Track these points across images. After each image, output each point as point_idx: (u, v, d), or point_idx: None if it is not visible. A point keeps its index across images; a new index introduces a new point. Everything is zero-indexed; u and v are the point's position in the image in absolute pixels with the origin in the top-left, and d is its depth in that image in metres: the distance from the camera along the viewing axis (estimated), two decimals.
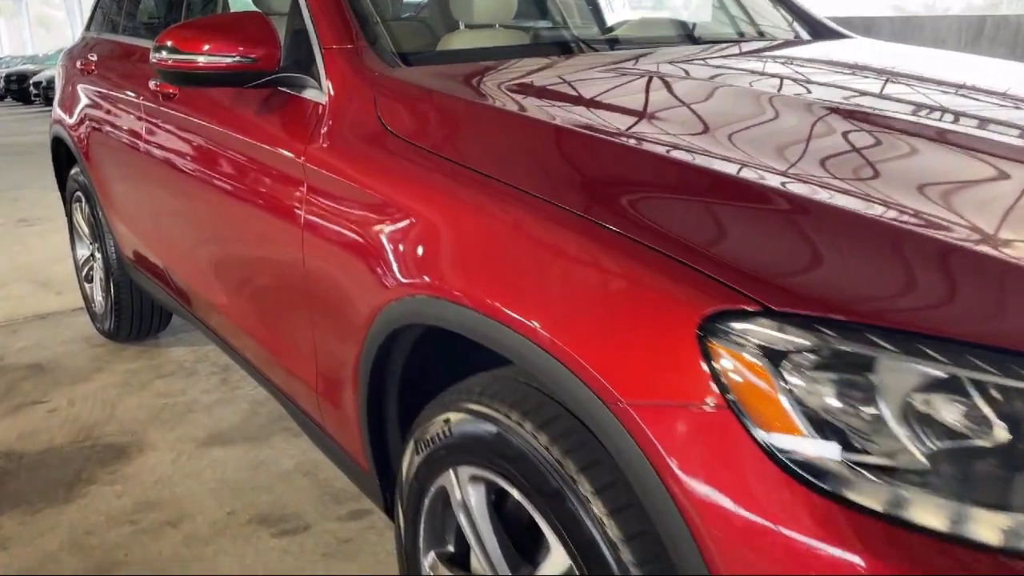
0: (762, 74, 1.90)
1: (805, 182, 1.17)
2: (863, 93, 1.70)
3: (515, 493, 1.24)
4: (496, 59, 1.96)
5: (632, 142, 1.34)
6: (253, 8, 2.53)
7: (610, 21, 3.09)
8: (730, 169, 1.21)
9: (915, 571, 0.86)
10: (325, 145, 1.71)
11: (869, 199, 1.12)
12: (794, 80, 1.83)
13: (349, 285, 1.59)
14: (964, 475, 0.89)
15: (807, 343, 0.92)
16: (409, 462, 1.48)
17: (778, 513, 0.92)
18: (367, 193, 1.55)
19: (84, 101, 3.45)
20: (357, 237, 1.55)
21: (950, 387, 0.90)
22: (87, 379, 3.35)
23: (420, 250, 1.40)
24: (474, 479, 1.33)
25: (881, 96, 1.68)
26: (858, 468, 0.91)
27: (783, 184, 1.16)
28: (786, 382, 0.93)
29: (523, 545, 1.32)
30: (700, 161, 1.25)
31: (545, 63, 1.96)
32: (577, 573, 1.14)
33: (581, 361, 1.07)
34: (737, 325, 0.95)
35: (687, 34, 2.51)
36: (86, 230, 3.77)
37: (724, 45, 2.33)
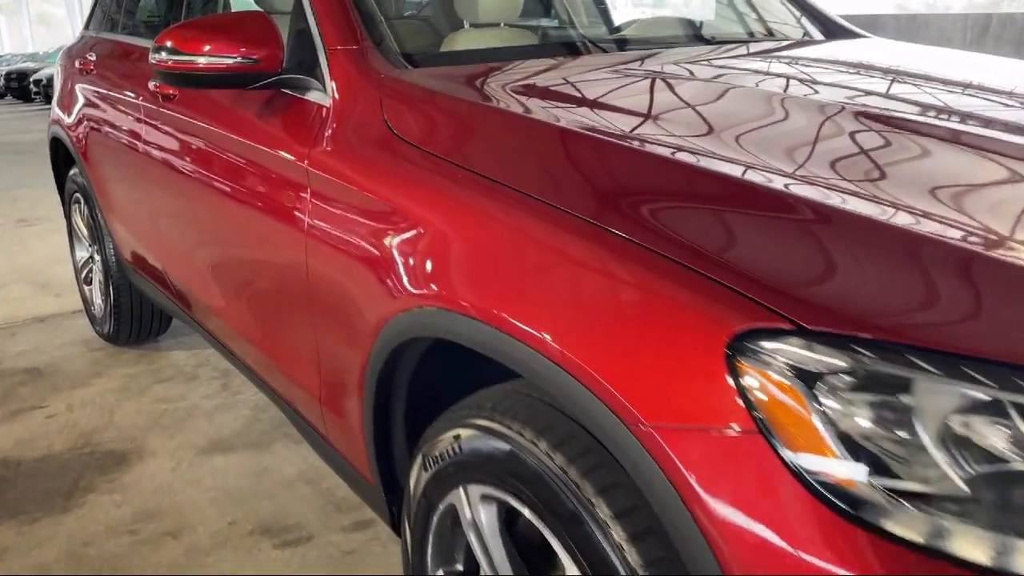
0: (779, 76, 1.84)
1: (834, 190, 1.12)
2: (886, 96, 1.65)
3: (528, 514, 1.19)
4: (504, 60, 1.91)
5: (652, 148, 1.29)
6: (255, 7, 2.48)
7: (617, 20, 3.05)
8: (754, 177, 1.16)
9: None
10: (330, 149, 1.66)
11: (903, 209, 1.07)
12: (814, 82, 1.78)
13: (355, 294, 1.54)
14: (1007, 503, 0.85)
15: (843, 364, 0.88)
16: (417, 478, 1.43)
17: (809, 542, 0.88)
18: (374, 199, 1.50)
19: (83, 101, 3.40)
20: (363, 245, 1.50)
21: (991, 410, 0.85)
22: (86, 384, 3.30)
23: (429, 260, 1.35)
24: (485, 498, 1.28)
25: (905, 99, 1.62)
26: (895, 496, 0.86)
27: (809, 193, 1.11)
28: (820, 405, 0.88)
29: (535, 566, 1.27)
30: (722, 168, 1.20)
31: (555, 64, 1.91)
32: None
33: (600, 379, 1.02)
34: (768, 344, 0.90)
35: (698, 34, 2.46)
36: (85, 232, 3.73)
37: (737, 45, 2.28)
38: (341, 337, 1.64)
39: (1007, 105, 1.65)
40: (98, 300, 3.65)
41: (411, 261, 1.38)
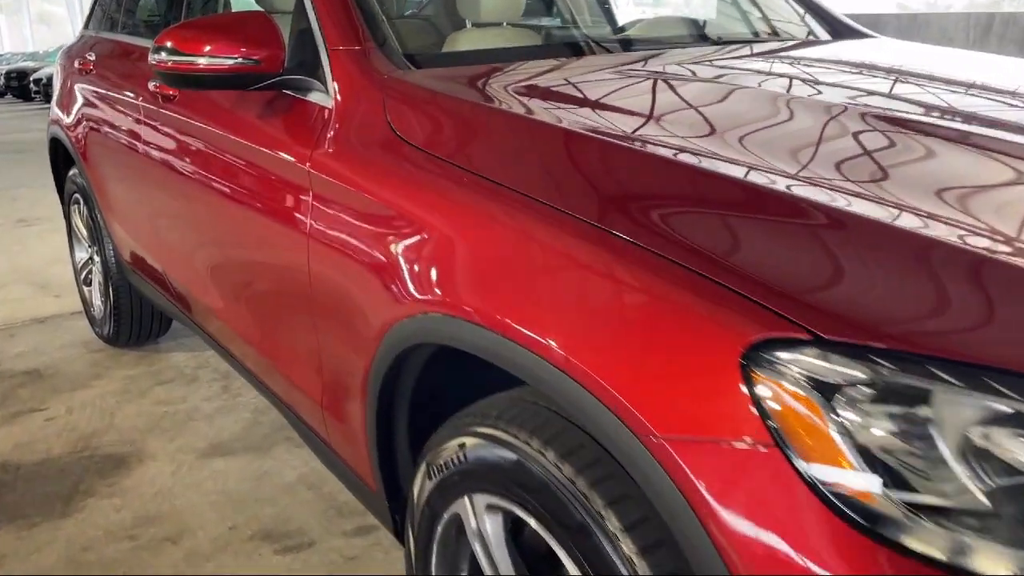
0: (787, 77, 1.82)
1: (847, 194, 1.09)
2: (897, 97, 1.62)
3: (535, 524, 1.16)
4: (508, 60, 1.89)
5: (661, 151, 1.26)
6: (256, 7, 2.45)
7: (621, 19, 3.02)
8: (766, 181, 1.14)
9: None
10: (332, 151, 1.64)
11: (919, 213, 1.04)
12: (823, 84, 1.75)
13: (358, 298, 1.52)
14: None
15: (862, 376, 0.85)
16: (420, 486, 1.41)
17: (826, 556, 0.85)
18: (377, 202, 1.48)
19: (82, 101, 3.38)
20: (367, 249, 1.48)
21: (1013, 422, 0.83)
22: (86, 386, 3.28)
23: (433, 265, 1.32)
24: (491, 508, 1.26)
25: (917, 101, 1.60)
26: (914, 510, 0.84)
27: (823, 197, 1.08)
28: (838, 416, 0.86)
29: None
30: (733, 171, 1.17)
31: (560, 65, 1.89)
32: None
33: (610, 389, 1.00)
34: (784, 355, 0.88)
35: (703, 34, 2.43)
36: (84, 233, 3.70)
37: (744, 45, 2.26)
38: (343, 342, 1.62)
39: (1021, 107, 1.62)
40: (98, 301, 3.63)
41: (415, 266, 1.36)
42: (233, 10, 2.70)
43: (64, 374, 3.40)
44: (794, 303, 0.90)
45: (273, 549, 2.20)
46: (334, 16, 1.79)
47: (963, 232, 1.00)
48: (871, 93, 1.65)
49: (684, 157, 1.24)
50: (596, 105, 1.54)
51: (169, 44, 1.82)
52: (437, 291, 1.30)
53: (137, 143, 2.74)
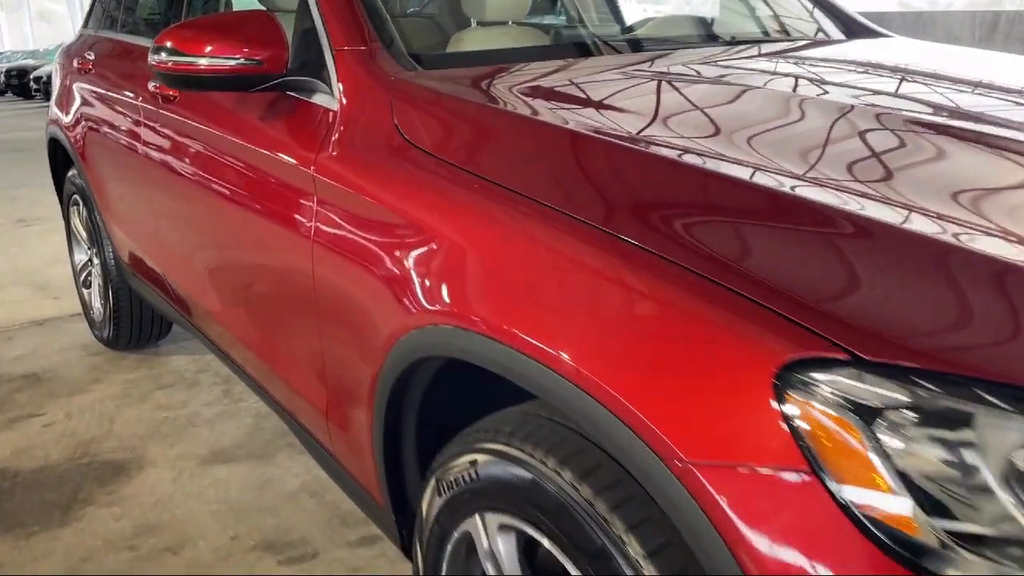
0: (809, 79, 1.76)
1: (885, 204, 1.04)
2: (928, 102, 1.56)
3: (551, 546, 1.11)
4: (517, 61, 1.84)
5: (685, 158, 1.21)
6: (258, 6, 2.40)
7: (629, 18, 2.97)
8: (798, 189, 1.09)
9: None
10: (337, 155, 1.59)
11: (962, 225, 0.99)
12: (850, 87, 1.70)
13: (364, 308, 1.47)
14: None
15: (904, 398, 0.80)
16: (429, 503, 1.36)
17: None
18: (385, 209, 1.43)
19: (81, 102, 3.33)
20: (374, 257, 1.43)
21: None
22: (85, 390, 3.23)
23: (444, 275, 1.27)
24: (503, 528, 1.21)
25: (948, 105, 1.53)
26: (956, 539, 0.79)
27: (859, 207, 1.03)
28: (878, 441, 0.81)
29: None
30: (762, 180, 1.12)
31: (573, 66, 1.84)
32: None
33: (633, 409, 0.95)
34: (820, 376, 0.83)
35: (716, 33, 2.38)
36: (84, 234, 3.65)
37: (758, 45, 2.20)
38: (349, 352, 1.57)
39: None
40: (97, 304, 3.58)
41: (425, 275, 1.31)
42: (235, 9, 2.65)
43: (63, 378, 3.35)
44: (830, 321, 0.85)
45: (276, 560, 2.15)
46: (339, 15, 1.74)
47: (1007, 245, 0.95)
48: (897, 95, 1.60)
49: (707, 163, 1.19)
50: (613, 108, 1.49)
51: (169, 44, 1.77)
52: (448, 302, 1.25)
53: (137, 144, 2.69)
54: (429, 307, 1.29)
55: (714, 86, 1.69)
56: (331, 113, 1.67)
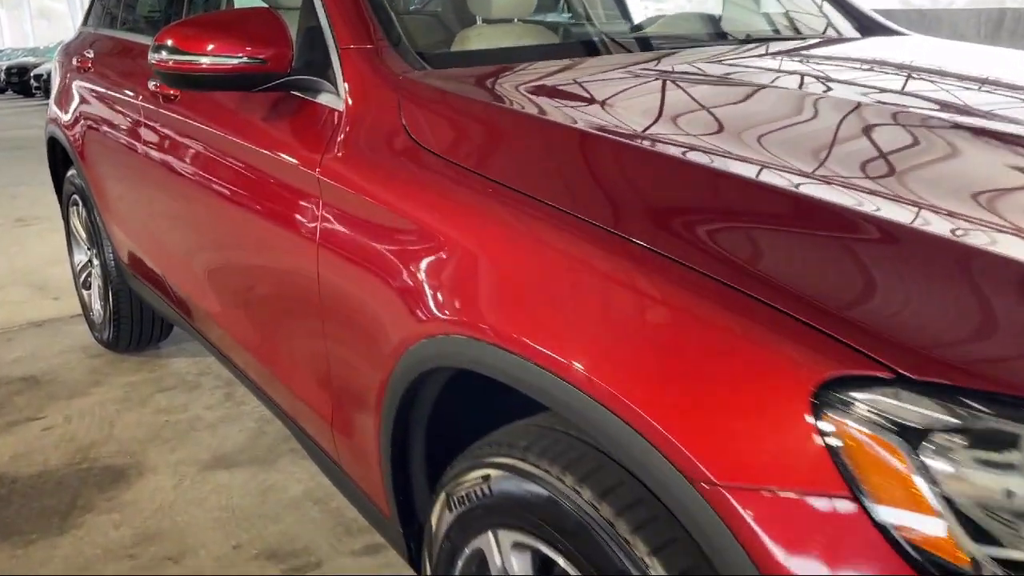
0: (830, 80, 1.71)
1: (928, 211, 0.99)
2: (957, 104, 1.50)
3: (566, 565, 1.07)
4: (528, 59, 1.78)
5: (711, 162, 1.15)
6: (261, 3, 2.35)
7: (636, 15, 2.92)
8: (833, 195, 1.03)
9: None
10: (343, 156, 1.54)
11: (1010, 232, 0.94)
12: (872, 87, 1.65)
13: (373, 316, 1.42)
14: None
15: (951, 419, 0.76)
16: (439, 517, 1.31)
17: None
18: (393, 213, 1.38)
19: (81, 100, 3.28)
20: (382, 262, 1.38)
21: None
22: (84, 393, 3.19)
23: (457, 283, 1.22)
24: (517, 546, 1.16)
25: (983, 109, 1.47)
26: (1005, 567, 0.75)
27: (898, 215, 0.98)
28: (923, 464, 0.76)
29: None
30: (793, 184, 1.07)
31: (584, 65, 1.79)
32: None
33: (658, 427, 0.90)
34: (860, 395, 0.78)
35: (728, 31, 2.33)
36: (83, 235, 3.61)
37: (771, 43, 2.15)
38: (356, 360, 1.53)
39: None
40: (97, 305, 3.54)
41: (436, 283, 1.26)
42: (237, 6, 2.60)
43: (62, 381, 3.30)
44: (870, 336, 0.80)
45: (280, 569, 2.11)
46: (345, 13, 1.69)
47: None
48: (923, 96, 1.55)
49: (731, 167, 1.13)
50: (630, 109, 1.44)
51: (170, 42, 1.72)
52: (460, 311, 1.20)
53: (137, 144, 2.64)
54: (440, 315, 1.24)
55: (732, 86, 1.64)
56: (336, 113, 1.62)
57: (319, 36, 1.70)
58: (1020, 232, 0.95)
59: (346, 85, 1.61)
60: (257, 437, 2.79)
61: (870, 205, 1.01)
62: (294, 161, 1.68)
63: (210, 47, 1.67)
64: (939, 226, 0.96)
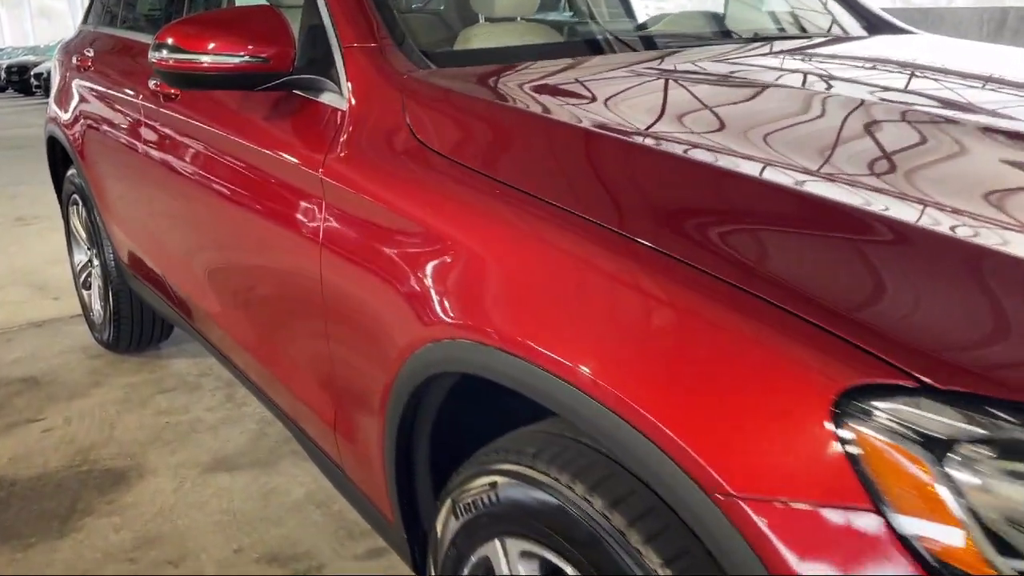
0: (840, 79, 1.68)
1: (952, 215, 0.96)
2: (971, 105, 1.48)
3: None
4: (536, 58, 1.76)
5: (725, 163, 1.13)
6: (263, 1, 2.33)
7: (640, 13, 2.90)
8: (849, 198, 1.01)
9: None
10: (347, 157, 1.52)
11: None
12: (882, 88, 1.62)
13: (377, 318, 1.40)
14: None
15: (978, 430, 0.73)
16: (444, 524, 1.29)
17: None
18: (398, 215, 1.36)
19: (80, 99, 3.26)
20: (387, 265, 1.35)
21: None
22: (84, 394, 3.16)
23: (465, 286, 1.20)
24: (525, 555, 1.14)
25: (998, 108, 1.45)
26: None
27: (922, 218, 0.96)
28: (948, 476, 0.74)
29: None
30: (808, 186, 1.05)
31: (590, 64, 1.76)
32: None
33: (671, 435, 0.88)
34: (883, 404, 0.76)
35: (733, 30, 2.30)
36: (83, 235, 3.58)
37: (779, 42, 2.13)
38: (360, 364, 1.50)
39: None
40: (97, 305, 3.51)
41: (441, 286, 1.24)
42: (239, 4, 2.57)
43: (62, 382, 3.28)
44: (894, 343, 0.78)
45: (282, 573, 2.09)
46: (348, 11, 1.66)
47: None
48: (937, 97, 1.52)
49: (746, 168, 1.11)
50: (642, 110, 1.41)
51: (170, 41, 1.70)
52: (467, 315, 1.18)
53: (137, 143, 2.62)
54: (446, 319, 1.22)
55: (740, 86, 1.62)
56: (340, 113, 1.60)
57: (322, 34, 1.68)
58: None
59: (349, 84, 1.59)
60: (258, 439, 2.77)
61: (888, 207, 0.98)
62: (296, 161, 1.66)
63: (211, 45, 1.65)
64: (961, 229, 0.93)
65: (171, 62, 1.70)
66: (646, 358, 0.93)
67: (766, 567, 0.81)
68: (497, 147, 1.37)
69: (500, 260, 1.17)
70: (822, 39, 2.26)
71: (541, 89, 1.52)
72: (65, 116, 3.41)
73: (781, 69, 1.78)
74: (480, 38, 2.15)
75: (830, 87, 1.61)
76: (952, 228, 0.94)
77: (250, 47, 1.64)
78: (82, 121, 3.22)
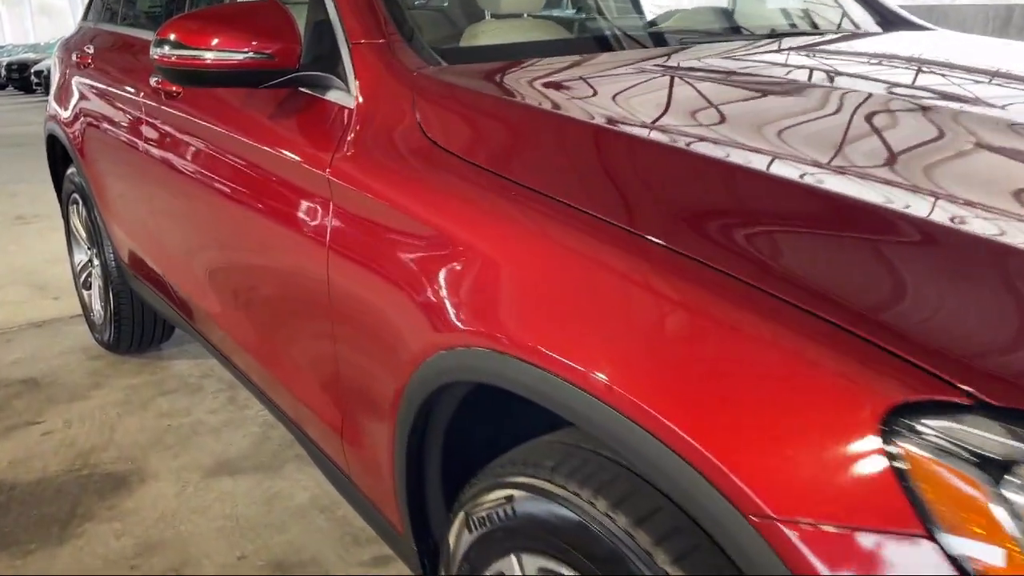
0: (861, 77, 1.64)
1: (996, 216, 0.92)
2: (996, 105, 1.44)
3: None
4: (547, 55, 1.71)
5: (758, 164, 1.08)
6: None
7: (650, 9, 2.85)
8: (888, 199, 0.96)
9: None
10: (354, 156, 1.47)
11: None
12: (904, 84, 1.58)
13: (387, 324, 1.35)
14: None
15: None
16: (457, 537, 1.24)
17: None
18: (409, 217, 1.31)
19: (80, 97, 3.21)
20: (398, 268, 1.31)
21: None
22: (85, 396, 3.12)
23: (476, 291, 1.15)
24: (544, 572, 1.09)
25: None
26: None
27: (976, 227, 0.90)
28: (1005, 498, 0.69)
29: None
30: (847, 187, 1.00)
31: (604, 61, 1.72)
32: None
33: (706, 453, 0.83)
34: (935, 423, 0.71)
35: (747, 27, 2.25)
36: (83, 234, 3.54)
37: (795, 39, 2.08)
38: (369, 371, 1.46)
39: None
40: (97, 306, 3.47)
41: (455, 291, 1.19)
42: None
43: (62, 383, 3.24)
44: (946, 357, 0.73)
45: None
46: (355, 6, 1.61)
47: None
48: (966, 97, 1.48)
49: (782, 170, 1.06)
50: (666, 108, 1.36)
51: (172, 37, 1.65)
52: (481, 321, 1.13)
53: (138, 142, 2.57)
54: (459, 326, 1.17)
55: (761, 82, 1.57)
56: (347, 111, 1.55)
57: (328, 30, 1.63)
58: None
59: (357, 82, 1.54)
60: (261, 442, 2.72)
61: (930, 208, 0.94)
62: (302, 161, 1.61)
63: (215, 41, 1.60)
64: (1017, 235, 0.89)
65: (173, 58, 1.66)
66: (677, 370, 0.88)
67: None
68: (513, 147, 1.32)
69: (516, 264, 1.12)
70: (838, 35, 2.21)
71: (558, 86, 1.47)
72: (65, 114, 3.36)
73: (797, 66, 1.73)
74: (488, 35, 2.10)
75: (851, 84, 1.56)
76: (1002, 233, 0.89)
77: (255, 43, 1.59)
78: (82, 119, 3.18)
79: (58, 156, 3.63)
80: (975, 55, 1.94)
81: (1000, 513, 0.69)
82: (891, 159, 1.12)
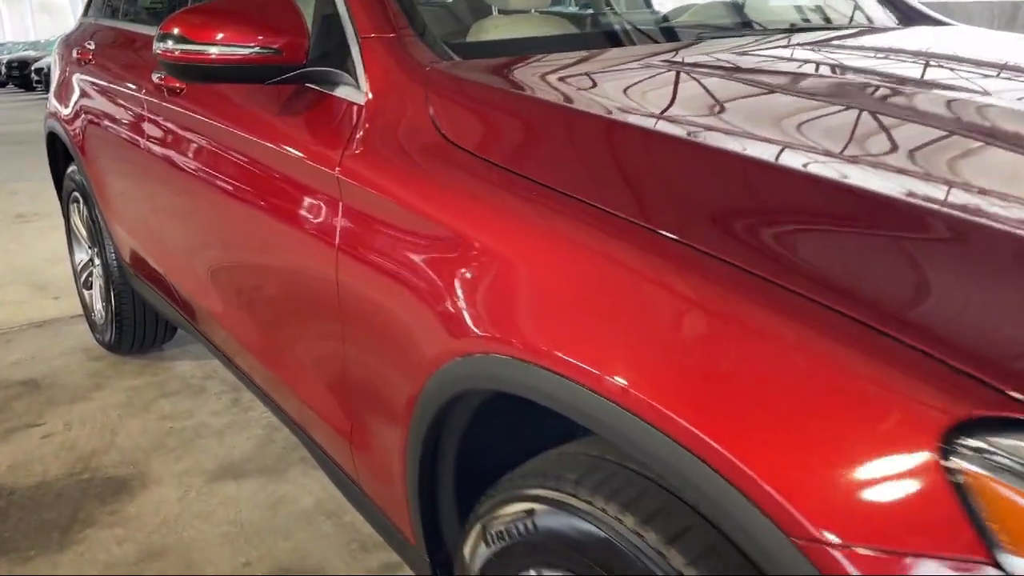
0: (881, 73, 1.59)
1: None
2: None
3: None
4: (562, 50, 1.66)
5: (796, 164, 1.03)
6: None
7: (663, 4, 2.80)
8: (935, 200, 0.91)
9: None
10: (365, 154, 1.42)
11: None
12: (931, 83, 1.53)
13: (400, 329, 1.30)
14: None
15: None
16: (473, 551, 1.19)
17: None
18: (422, 218, 1.26)
19: (81, 94, 3.16)
20: (410, 269, 1.26)
21: None
22: (86, 398, 3.07)
23: (494, 295, 1.10)
24: None
25: None
26: None
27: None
28: None
29: None
30: (887, 186, 0.95)
31: (620, 56, 1.67)
32: None
33: (745, 469, 0.78)
34: (1000, 440, 0.66)
35: (762, 22, 2.20)
36: (84, 233, 3.49)
37: (813, 33, 2.03)
38: (381, 377, 1.41)
39: None
40: (98, 306, 3.42)
41: (471, 295, 1.14)
42: None
43: (63, 385, 3.19)
44: (1009, 370, 0.68)
45: None
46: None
47: None
48: (995, 92, 1.43)
49: (822, 170, 1.01)
50: (687, 103, 1.31)
51: (176, 31, 1.60)
52: (499, 327, 1.08)
53: (140, 139, 2.52)
54: (476, 332, 1.12)
55: (783, 77, 1.52)
56: (356, 107, 1.50)
57: (337, 24, 1.58)
58: None
59: (367, 77, 1.50)
60: (265, 445, 2.67)
61: (995, 212, 0.88)
62: (311, 159, 1.56)
63: (220, 36, 1.55)
64: None
65: (177, 54, 1.61)
66: (712, 382, 0.83)
67: None
68: (530, 144, 1.27)
69: (536, 267, 1.08)
70: (856, 30, 2.16)
71: (577, 82, 1.42)
72: (65, 111, 3.31)
73: (817, 61, 1.68)
74: (494, 31, 2.05)
75: (873, 79, 1.51)
76: None
77: (261, 38, 1.54)
78: (83, 116, 3.13)
79: (58, 154, 3.58)
80: (998, 49, 1.89)
81: None
82: (926, 155, 1.08)
